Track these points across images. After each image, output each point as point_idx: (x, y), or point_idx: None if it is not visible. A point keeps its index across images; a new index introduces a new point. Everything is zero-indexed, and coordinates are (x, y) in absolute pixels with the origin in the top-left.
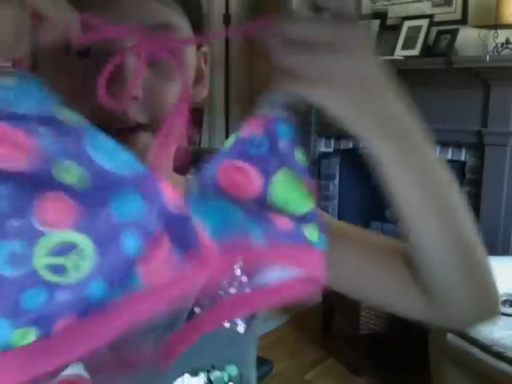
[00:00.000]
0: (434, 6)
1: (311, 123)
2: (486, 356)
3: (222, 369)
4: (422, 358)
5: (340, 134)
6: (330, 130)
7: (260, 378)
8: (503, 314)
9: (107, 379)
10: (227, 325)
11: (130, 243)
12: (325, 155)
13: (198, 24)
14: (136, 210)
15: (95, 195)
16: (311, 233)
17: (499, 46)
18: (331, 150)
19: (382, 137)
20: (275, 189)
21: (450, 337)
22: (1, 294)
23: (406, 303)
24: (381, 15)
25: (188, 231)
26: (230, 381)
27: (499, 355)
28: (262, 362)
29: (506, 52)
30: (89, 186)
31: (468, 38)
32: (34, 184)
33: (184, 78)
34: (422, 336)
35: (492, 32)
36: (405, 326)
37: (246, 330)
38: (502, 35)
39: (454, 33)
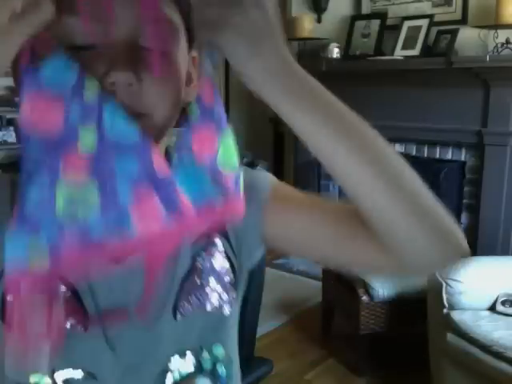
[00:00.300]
0: (434, 5)
1: None
2: (486, 356)
3: (209, 350)
4: (421, 358)
5: None
6: None
7: (260, 378)
8: (503, 314)
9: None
10: (213, 308)
11: (126, 197)
12: None
13: (190, 28)
14: (131, 170)
15: (104, 156)
16: (240, 182)
17: (499, 46)
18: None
19: (282, 83)
20: (222, 150)
21: (449, 337)
22: (23, 222)
23: (367, 260)
24: (381, 15)
25: (171, 193)
26: (217, 361)
27: (499, 355)
28: (261, 362)
29: (506, 52)
30: (100, 149)
31: (468, 38)
32: (64, 141)
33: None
34: (422, 336)
35: (492, 32)
36: (405, 326)
37: (229, 310)
38: (502, 35)
39: (454, 33)
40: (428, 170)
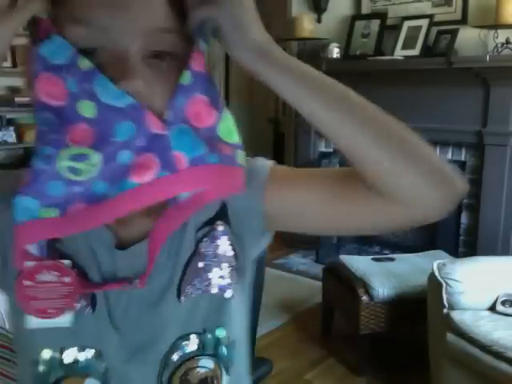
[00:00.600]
0: (434, 5)
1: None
2: (486, 356)
3: (212, 332)
4: (421, 358)
5: None
6: None
7: (260, 378)
8: (503, 314)
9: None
10: (216, 291)
11: (125, 156)
12: (325, 155)
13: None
14: (129, 133)
15: (102, 123)
16: (240, 156)
17: (499, 46)
18: (331, 150)
19: (268, 55)
20: (222, 126)
21: (449, 337)
22: (34, 182)
23: (376, 217)
24: (381, 15)
25: (168, 150)
26: (219, 342)
27: (499, 355)
28: (261, 362)
29: (505, 52)
30: (98, 116)
31: (468, 38)
32: (67, 113)
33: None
34: (422, 336)
35: (492, 32)
36: (405, 326)
37: (233, 295)
38: (502, 35)
39: (454, 33)
40: None
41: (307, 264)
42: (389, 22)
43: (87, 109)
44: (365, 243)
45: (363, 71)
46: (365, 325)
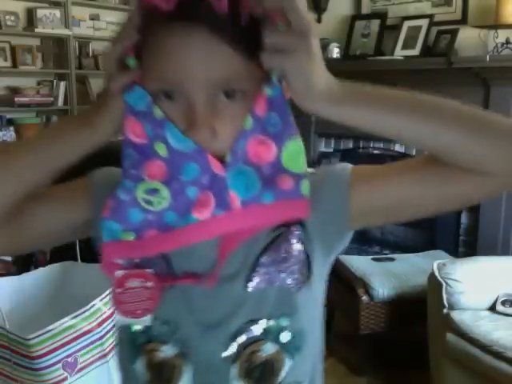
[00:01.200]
0: (434, 5)
1: (311, 123)
2: (486, 356)
3: (276, 320)
4: (421, 358)
5: (340, 134)
6: (330, 130)
7: None
8: (503, 314)
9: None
10: (283, 285)
11: (191, 192)
12: (325, 155)
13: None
14: (194, 173)
15: (172, 162)
16: (305, 187)
17: (499, 46)
18: (331, 150)
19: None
20: (285, 156)
21: (449, 337)
22: (118, 210)
23: (469, 192)
24: (381, 15)
25: (224, 190)
26: (283, 330)
27: (499, 355)
28: None
29: (505, 52)
30: (169, 156)
31: (468, 38)
32: (145, 152)
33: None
34: (422, 336)
35: (492, 32)
36: (405, 326)
37: (300, 289)
38: (502, 35)
39: (454, 33)
40: None
41: None
42: (389, 21)
43: (161, 149)
44: (365, 243)
45: (363, 71)
46: (365, 325)
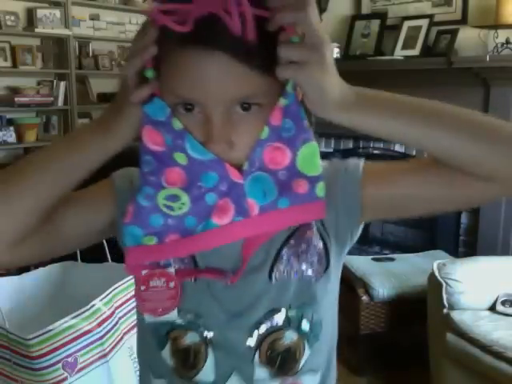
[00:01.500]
0: (434, 5)
1: (312, 123)
2: (486, 356)
3: (297, 310)
4: (422, 358)
5: (340, 134)
6: (330, 130)
7: None
8: (503, 314)
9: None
10: (302, 276)
11: (210, 199)
12: (325, 155)
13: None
14: (213, 180)
15: (192, 170)
16: (320, 189)
17: (499, 46)
18: (331, 149)
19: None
20: (300, 159)
21: (449, 337)
22: (139, 215)
23: (471, 195)
24: (381, 15)
25: (242, 197)
26: (302, 319)
27: (499, 355)
28: None
29: (506, 52)
30: (188, 164)
31: (468, 38)
32: (164, 159)
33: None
34: (422, 336)
35: (492, 32)
36: (405, 326)
37: (318, 280)
38: (502, 35)
39: (454, 33)
40: None
41: None
42: (389, 21)
43: (180, 158)
44: (365, 243)
45: (363, 71)
46: (365, 325)
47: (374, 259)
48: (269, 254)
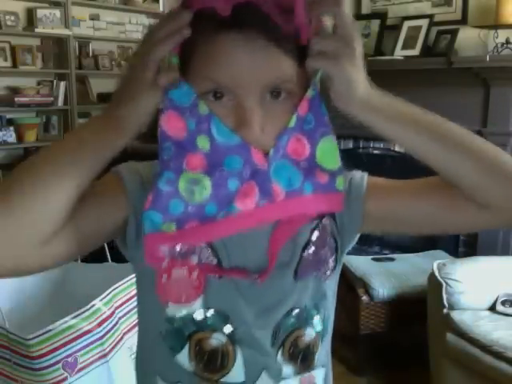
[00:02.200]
0: (434, 5)
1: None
2: (486, 356)
3: (315, 308)
4: (422, 358)
5: (340, 135)
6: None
7: None
8: (503, 314)
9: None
10: (320, 275)
11: (233, 184)
12: None
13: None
14: (237, 165)
15: (214, 155)
16: (340, 182)
17: (499, 46)
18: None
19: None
20: (319, 152)
21: (449, 337)
22: (159, 200)
23: (468, 219)
24: (381, 15)
25: (267, 182)
26: (319, 317)
27: (499, 355)
28: None
29: (506, 52)
30: (211, 149)
31: (468, 38)
32: (186, 145)
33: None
34: (422, 336)
35: (492, 32)
36: (405, 326)
37: (330, 278)
38: (502, 35)
39: (454, 33)
40: (428, 169)
41: None
42: (389, 21)
43: (203, 143)
44: (365, 243)
45: None
46: (365, 325)
47: (373, 259)
48: (294, 254)
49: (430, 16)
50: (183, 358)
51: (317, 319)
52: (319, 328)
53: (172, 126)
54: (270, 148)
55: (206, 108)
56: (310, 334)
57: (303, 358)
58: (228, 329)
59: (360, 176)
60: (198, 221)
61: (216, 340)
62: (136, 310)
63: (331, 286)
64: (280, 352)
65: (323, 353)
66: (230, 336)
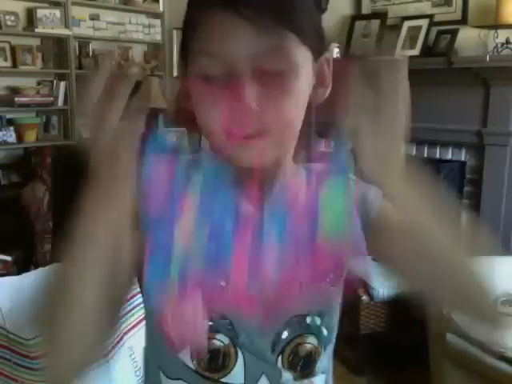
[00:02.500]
0: (434, 5)
1: (311, 123)
2: (486, 356)
3: (319, 316)
4: (422, 358)
5: None
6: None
7: None
8: (503, 314)
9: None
10: (326, 285)
11: (226, 249)
12: (325, 155)
13: (319, 48)
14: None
15: (205, 203)
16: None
17: (499, 46)
18: (331, 150)
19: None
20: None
21: (449, 337)
22: (155, 262)
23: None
24: (381, 15)
25: (261, 232)
26: (322, 325)
27: (499, 355)
28: None
29: (506, 52)
30: (202, 198)
31: (468, 38)
32: (178, 185)
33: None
34: (422, 336)
35: (492, 32)
36: (405, 326)
37: (336, 288)
38: (502, 35)
39: (454, 33)
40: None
41: None
42: (389, 21)
43: (195, 186)
44: None
45: None
46: (365, 325)
47: (374, 259)
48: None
49: (430, 16)
50: (186, 355)
51: (320, 327)
52: (322, 336)
53: (156, 172)
54: (270, 128)
55: (186, 154)
56: (311, 341)
57: (304, 366)
58: (231, 333)
59: (375, 191)
60: (200, 284)
61: (219, 341)
62: (136, 310)
63: (339, 294)
64: (280, 359)
65: (325, 360)
66: (232, 339)
